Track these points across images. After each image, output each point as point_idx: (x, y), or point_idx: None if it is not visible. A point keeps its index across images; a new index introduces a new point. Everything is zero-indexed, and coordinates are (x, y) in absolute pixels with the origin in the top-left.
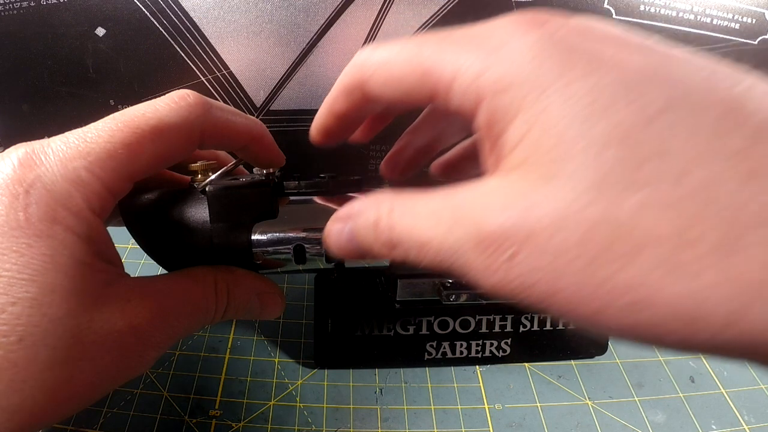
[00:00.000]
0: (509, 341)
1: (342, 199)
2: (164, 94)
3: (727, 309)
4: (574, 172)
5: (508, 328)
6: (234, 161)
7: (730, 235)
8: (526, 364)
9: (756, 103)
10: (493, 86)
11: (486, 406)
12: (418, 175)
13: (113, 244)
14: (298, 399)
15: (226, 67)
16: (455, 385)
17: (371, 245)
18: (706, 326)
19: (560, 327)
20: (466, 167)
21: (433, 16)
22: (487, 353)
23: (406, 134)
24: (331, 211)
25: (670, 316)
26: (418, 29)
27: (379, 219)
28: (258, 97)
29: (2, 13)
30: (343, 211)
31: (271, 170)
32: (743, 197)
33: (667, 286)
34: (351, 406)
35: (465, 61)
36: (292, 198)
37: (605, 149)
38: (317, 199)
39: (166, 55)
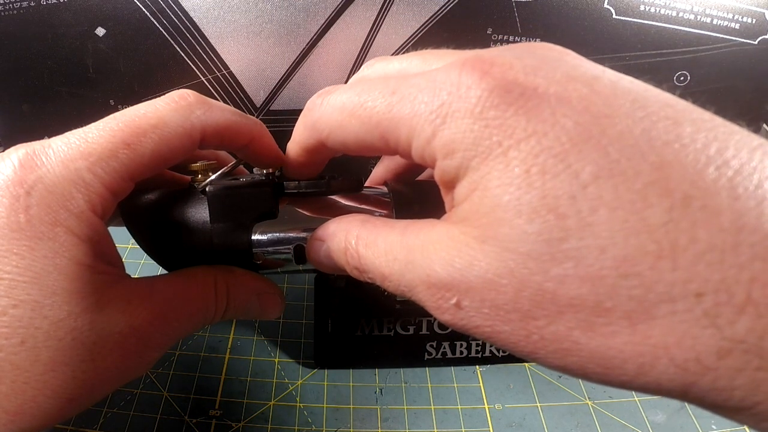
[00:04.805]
0: None
1: (341, 201)
2: (164, 94)
3: (637, 362)
4: (505, 236)
5: None
6: (234, 161)
7: (639, 309)
8: (526, 364)
9: (687, 165)
10: (442, 150)
11: (486, 406)
12: (414, 178)
13: (114, 245)
14: (298, 399)
15: (226, 67)
16: (455, 385)
17: (344, 267)
18: (622, 372)
19: None
20: None
21: (432, 16)
22: (487, 353)
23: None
24: (331, 213)
25: (591, 363)
26: (418, 29)
27: (348, 247)
28: (258, 97)
29: (2, 13)
30: (320, 232)
31: (271, 170)
32: (653, 276)
33: (587, 342)
34: (351, 406)
35: (416, 124)
36: (291, 198)
37: (534, 218)
38: (317, 200)
39: (166, 55)
